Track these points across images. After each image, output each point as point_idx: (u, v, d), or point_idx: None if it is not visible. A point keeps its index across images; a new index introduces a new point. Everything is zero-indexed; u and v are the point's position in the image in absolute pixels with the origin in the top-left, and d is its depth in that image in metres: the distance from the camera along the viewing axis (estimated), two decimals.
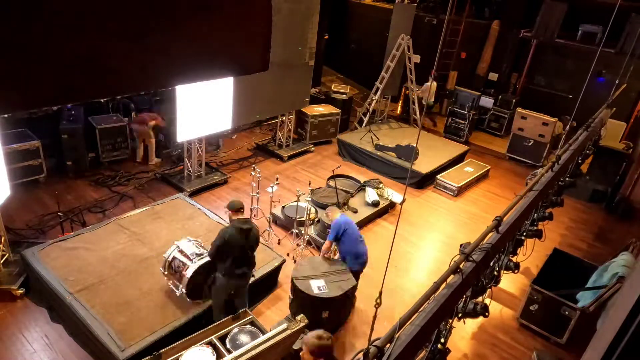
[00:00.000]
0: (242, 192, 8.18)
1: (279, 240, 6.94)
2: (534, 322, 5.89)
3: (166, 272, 5.23)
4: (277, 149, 9.92)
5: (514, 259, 3.75)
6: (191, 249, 5.14)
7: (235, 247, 4.68)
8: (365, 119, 10.91)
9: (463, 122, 11.54)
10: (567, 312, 5.57)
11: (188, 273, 4.97)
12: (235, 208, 4.84)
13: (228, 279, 4.77)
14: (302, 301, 5.17)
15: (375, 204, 8.00)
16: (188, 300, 5.07)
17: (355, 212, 7.81)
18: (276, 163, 9.56)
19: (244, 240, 4.73)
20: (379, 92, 10.81)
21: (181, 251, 5.19)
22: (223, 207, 7.35)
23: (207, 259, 5.03)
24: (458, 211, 8.70)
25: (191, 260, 5.04)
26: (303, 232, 6.69)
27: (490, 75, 12.95)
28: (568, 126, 6.97)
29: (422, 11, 12.50)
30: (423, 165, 9.31)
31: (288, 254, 6.59)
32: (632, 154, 9.68)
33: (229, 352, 4.10)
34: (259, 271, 5.78)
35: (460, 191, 9.22)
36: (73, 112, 8.02)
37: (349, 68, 14.80)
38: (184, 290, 5.01)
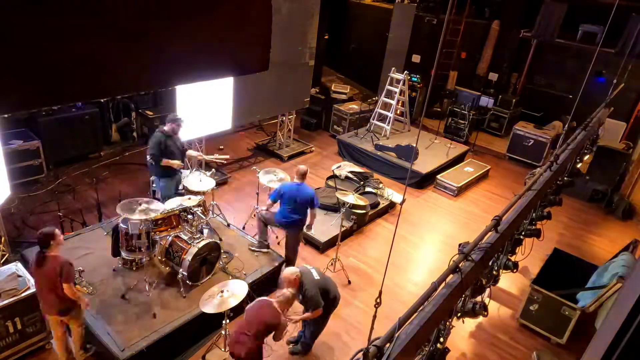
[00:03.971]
0: (243, 192, 8.18)
1: (279, 240, 6.93)
2: (534, 322, 5.89)
3: (164, 259, 5.34)
4: (277, 149, 9.92)
5: (512, 259, 3.75)
6: (186, 235, 5.35)
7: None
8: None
9: (463, 122, 11.54)
10: (567, 312, 5.58)
11: (188, 256, 5.09)
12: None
13: None
14: None
15: (374, 204, 8.00)
16: (188, 282, 5.19)
17: None
18: (276, 163, 9.56)
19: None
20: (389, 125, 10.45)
21: (177, 237, 5.33)
22: (223, 207, 7.35)
23: (206, 240, 5.24)
24: (458, 211, 8.70)
25: (189, 244, 5.18)
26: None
27: (490, 75, 12.94)
28: (567, 126, 6.97)
29: (422, 11, 12.48)
30: (423, 165, 9.31)
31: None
32: (632, 153, 9.68)
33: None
34: (259, 271, 5.78)
35: (460, 191, 9.22)
36: (74, 110, 8.04)
37: (349, 68, 14.79)
38: (185, 274, 5.12)
